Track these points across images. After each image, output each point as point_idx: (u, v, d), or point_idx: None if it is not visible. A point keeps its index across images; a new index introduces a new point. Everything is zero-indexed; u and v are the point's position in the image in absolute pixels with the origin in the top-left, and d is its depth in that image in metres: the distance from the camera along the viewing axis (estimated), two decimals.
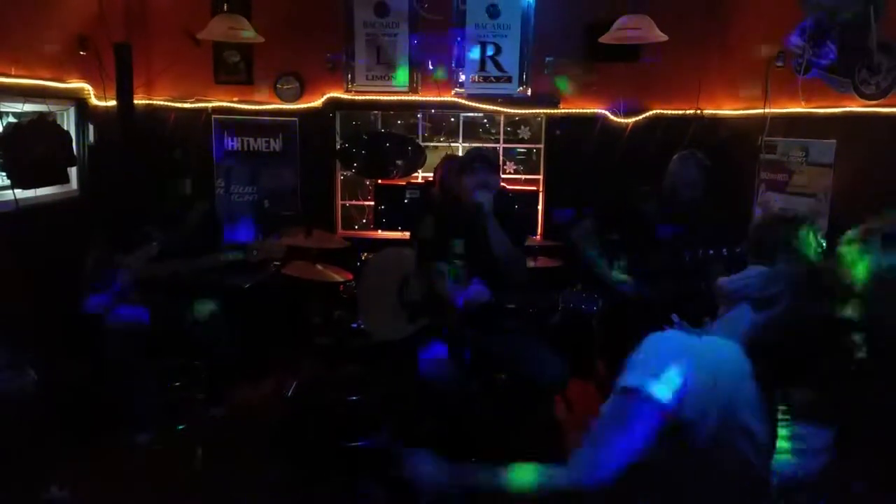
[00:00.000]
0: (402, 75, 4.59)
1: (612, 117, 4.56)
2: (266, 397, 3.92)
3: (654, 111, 4.55)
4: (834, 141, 3.72)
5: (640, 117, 4.55)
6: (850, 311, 1.57)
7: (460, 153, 4.70)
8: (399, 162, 4.26)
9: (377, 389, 3.67)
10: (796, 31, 3.86)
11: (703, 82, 4.48)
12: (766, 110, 4.06)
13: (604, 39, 3.75)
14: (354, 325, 3.83)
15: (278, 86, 4.65)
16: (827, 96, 3.76)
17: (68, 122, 4.17)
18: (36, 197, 3.82)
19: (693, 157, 3.61)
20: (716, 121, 4.49)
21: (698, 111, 4.49)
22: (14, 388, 1.92)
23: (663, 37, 3.64)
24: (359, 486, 3.07)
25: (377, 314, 3.27)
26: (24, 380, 1.95)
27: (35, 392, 1.99)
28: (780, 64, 3.99)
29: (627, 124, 4.55)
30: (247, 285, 4.11)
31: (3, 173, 3.56)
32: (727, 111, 4.48)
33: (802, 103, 3.87)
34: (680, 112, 4.51)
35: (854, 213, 3.37)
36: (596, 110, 4.58)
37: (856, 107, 3.60)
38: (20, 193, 3.60)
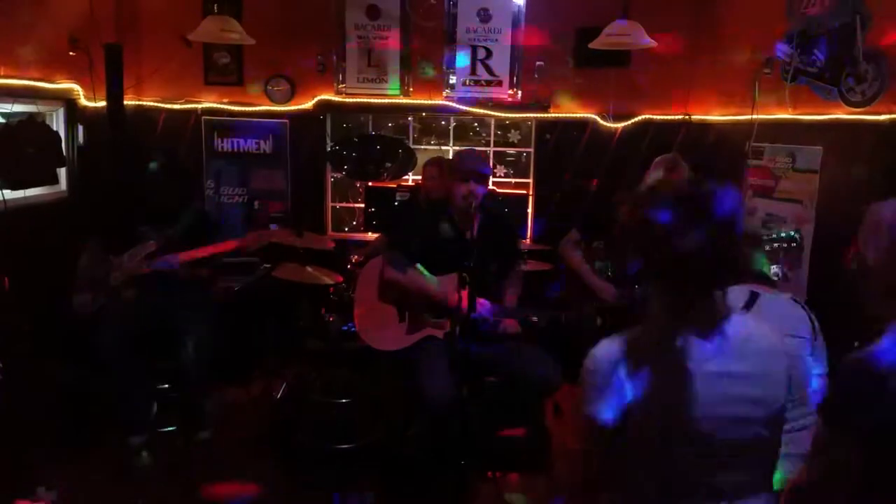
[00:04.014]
0: (392, 78, 4.60)
1: (601, 122, 4.59)
2: (255, 399, 3.92)
3: (644, 116, 4.59)
4: (820, 147, 3.76)
5: (630, 122, 4.59)
6: None
7: (451, 156, 4.72)
8: (389, 164, 4.27)
9: (366, 392, 3.69)
10: (784, 38, 3.91)
11: (691, 88, 4.52)
12: (754, 116, 4.10)
13: (593, 45, 3.76)
14: (344, 328, 3.84)
15: (269, 87, 4.65)
16: (814, 103, 3.80)
17: (58, 123, 4.15)
18: (25, 197, 3.81)
19: (672, 158, 3.61)
20: (704, 126, 4.53)
21: (687, 116, 4.53)
22: None
23: (652, 43, 3.66)
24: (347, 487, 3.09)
25: (374, 326, 3.24)
26: None
27: (3, 385, 1.98)
28: (767, 71, 4.02)
29: (617, 129, 4.58)
30: (237, 287, 4.11)
31: None
32: (715, 116, 4.52)
33: (789, 110, 3.91)
34: (669, 117, 4.54)
35: (839, 220, 3.44)
36: (586, 115, 4.61)
37: (842, 114, 3.64)
38: (9, 194, 3.58)
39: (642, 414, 1.29)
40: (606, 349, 1.36)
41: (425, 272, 3.11)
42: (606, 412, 1.29)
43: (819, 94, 3.77)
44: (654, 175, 3.59)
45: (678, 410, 1.29)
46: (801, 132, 3.86)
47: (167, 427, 3.50)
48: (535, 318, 3.26)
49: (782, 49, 3.95)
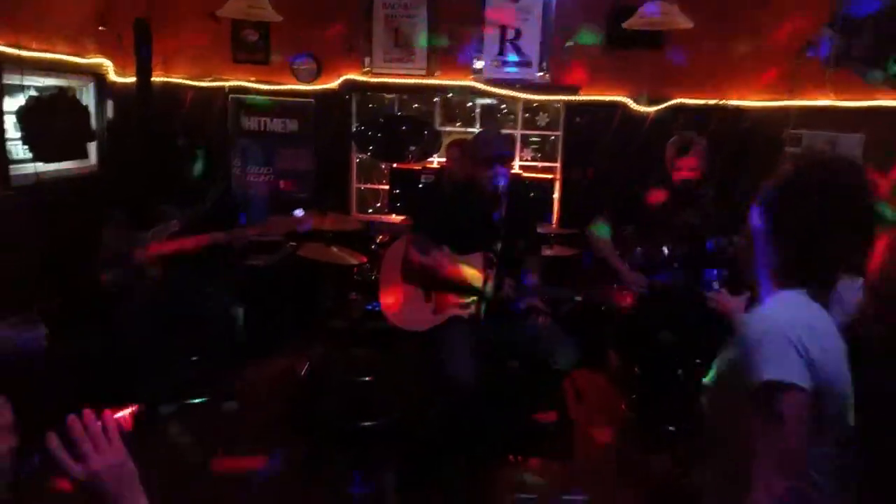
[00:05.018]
0: (419, 58, 4.55)
1: (633, 106, 4.48)
2: (279, 376, 3.95)
3: (677, 100, 4.46)
4: (862, 134, 3.64)
5: (662, 106, 4.46)
6: None
7: None
8: (414, 147, 4.23)
9: (389, 372, 3.68)
10: (827, 20, 3.77)
11: (727, 72, 4.39)
12: (792, 102, 3.98)
13: (628, 25, 3.67)
14: (368, 307, 3.83)
15: (295, 66, 4.63)
16: (856, 89, 3.68)
17: (88, 98, 4.18)
18: (56, 171, 3.85)
19: (680, 139, 3.46)
20: (739, 111, 4.40)
21: (722, 101, 4.40)
22: (26, 342, 1.95)
23: (689, 24, 3.55)
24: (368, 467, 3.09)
25: (400, 306, 3.21)
26: (36, 334, 1.97)
27: (48, 346, 2.02)
28: (808, 54, 3.89)
29: (649, 113, 4.47)
30: (261, 264, 4.12)
31: (25, 146, 3.58)
32: (751, 102, 4.38)
33: (831, 95, 3.79)
34: (703, 102, 4.42)
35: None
36: (617, 98, 4.50)
37: (887, 100, 3.51)
38: (41, 167, 3.62)
39: (822, 377, 1.27)
40: (776, 314, 1.34)
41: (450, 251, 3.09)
42: (801, 374, 1.24)
43: (863, 79, 3.64)
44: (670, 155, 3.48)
45: (841, 369, 1.32)
46: (843, 118, 3.74)
47: (196, 398, 3.53)
48: (563, 298, 3.22)
49: (825, 31, 3.82)
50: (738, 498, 1.34)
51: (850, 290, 2.15)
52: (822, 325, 1.32)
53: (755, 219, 1.41)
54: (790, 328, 1.27)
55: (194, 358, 3.60)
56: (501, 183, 3.02)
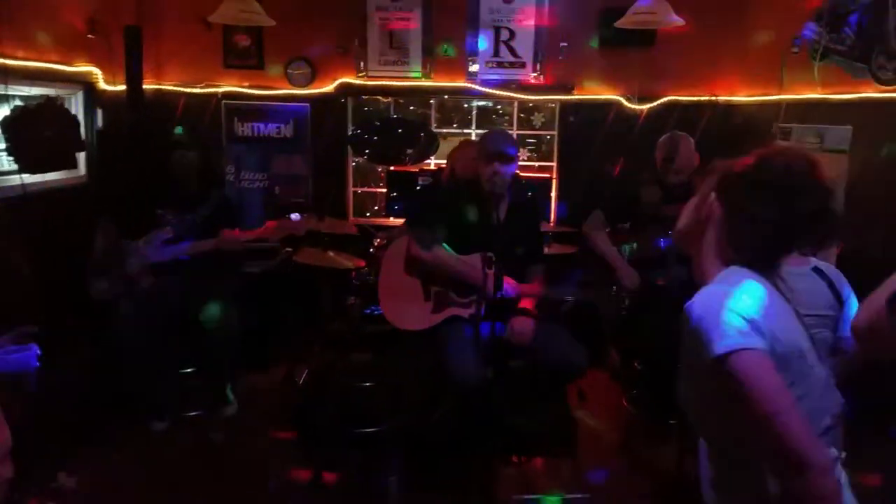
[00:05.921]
0: (414, 60, 4.54)
1: (626, 104, 4.52)
2: (278, 383, 3.90)
3: (669, 98, 4.51)
4: (850, 127, 3.70)
5: (655, 104, 4.51)
6: None
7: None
8: (410, 149, 4.21)
9: (389, 376, 3.66)
10: (813, 16, 3.83)
11: (717, 68, 4.45)
12: (781, 96, 4.03)
13: (620, 24, 3.70)
14: (367, 311, 3.81)
15: (289, 70, 4.61)
16: (843, 82, 3.74)
17: (76, 107, 4.12)
18: (44, 182, 3.77)
19: (671, 137, 3.56)
20: (730, 107, 4.46)
21: (713, 98, 4.46)
22: (17, 362, 1.91)
23: (680, 21, 3.59)
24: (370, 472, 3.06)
25: (399, 305, 3.21)
26: (28, 353, 1.93)
27: (40, 368, 1.98)
28: (795, 50, 3.95)
29: (642, 111, 4.51)
30: (258, 270, 4.08)
31: (11, 158, 3.51)
32: (742, 97, 4.45)
33: (818, 89, 3.84)
34: (695, 98, 4.47)
35: (870, 199, 3.38)
36: (610, 97, 4.54)
37: (872, 92, 3.57)
38: (27, 178, 3.55)
39: (778, 341, 1.27)
40: (718, 290, 1.32)
41: (449, 250, 3.08)
42: (751, 338, 1.22)
43: (849, 73, 3.70)
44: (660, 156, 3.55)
45: (794, 325, 1.35)
46: (831, 111, 3.80)
47: (191, 412, 3.48)
48: (566, 298, 3.22)
49: (811, 27, 3.89)
50: (734, 484, 1.35)
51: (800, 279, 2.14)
52: (766, 291, 1.31)
53: (713, 203, 1.43)
54: (733, 299, 1.26)
55: (189, 370, 3.55)
56: (500, 182, 3.02)
